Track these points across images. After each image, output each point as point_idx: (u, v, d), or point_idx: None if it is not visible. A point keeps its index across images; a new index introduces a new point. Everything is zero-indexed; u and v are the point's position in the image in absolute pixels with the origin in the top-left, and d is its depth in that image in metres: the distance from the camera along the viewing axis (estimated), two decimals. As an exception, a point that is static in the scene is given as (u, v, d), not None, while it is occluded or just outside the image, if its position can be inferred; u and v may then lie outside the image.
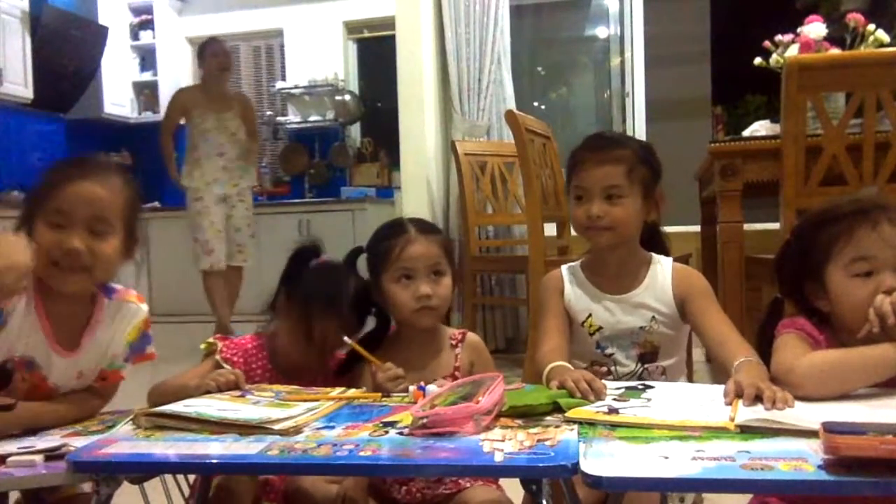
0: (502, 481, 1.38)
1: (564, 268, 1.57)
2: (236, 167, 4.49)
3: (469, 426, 1.02)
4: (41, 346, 1.26)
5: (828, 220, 1.22)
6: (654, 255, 1.53)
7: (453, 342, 1.47)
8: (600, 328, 1.48)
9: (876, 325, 1.12)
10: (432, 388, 1.21)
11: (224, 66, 4.46)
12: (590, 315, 1.48)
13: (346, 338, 1.43)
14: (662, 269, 1.50)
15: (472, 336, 1.50)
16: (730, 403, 1.08)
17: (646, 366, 1.47)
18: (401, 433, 1.03)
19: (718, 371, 1.37)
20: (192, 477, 1.35)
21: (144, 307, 1.40)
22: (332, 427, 1.07)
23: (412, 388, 1.24)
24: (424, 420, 1.03)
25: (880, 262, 1.16)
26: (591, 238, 1.49)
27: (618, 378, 1.46)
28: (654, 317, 1.46)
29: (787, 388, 1.09)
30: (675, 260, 1.53)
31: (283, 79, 6.64)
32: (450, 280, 1.45)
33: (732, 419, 1.00)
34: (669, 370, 1.48)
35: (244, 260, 4.60)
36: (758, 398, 1.06)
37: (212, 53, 4.42)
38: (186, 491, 1.37)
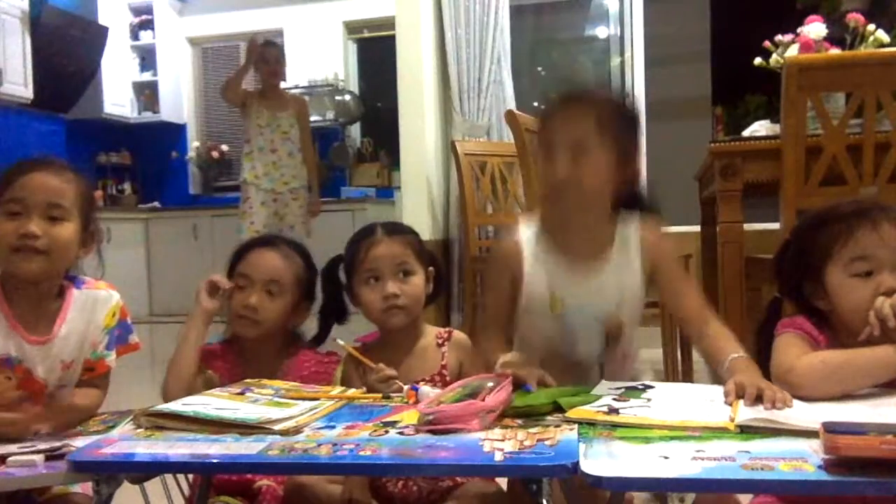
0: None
1: (524, 235, 1.42)
2: (287, 165, 4.48)
3: (475, 423, 1.02)
4: (12, 340, 1.27)
5: (828, 219, 1.22)
6: (620, 214, 1.39)
7: (440, 341, 1.47)
8: (565, 305, 1.37)
9: (876, 328, 1.12)
10: (426, 389, 1.21)
11: (274, 72, 4.49)
12: (554, 292, 1.37)
13: (339, 340, 1.46)
14: (632, 232, 1.37)
15: (458, 334, 1.49)
16: (730, 404, 1.08)
17: (607, 347, 1.38)
18: (401, 433, 1.03)
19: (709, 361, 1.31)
20: (192, 477, 1.35)
21: (116, 294, 1.41)
22: (333, 427, 1.07)
23: (406, 387, 1.25)
24: (430, 417, 1.03)
25: (880, 261, 1.16)
26: (556, 201, 1.35)
27: (571, 363, 1.38)
28: (624, 292, 1.36)
29: (786, 387, 1.09)
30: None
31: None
32: (420, 279, 1.45)
33: (732, 419, 1.00)
34: (630, 351, 1.40)
35: None
36: (759, 399, 1.06)
37: (263, 59, 4.46)
38: (187, 491, 1.37)
